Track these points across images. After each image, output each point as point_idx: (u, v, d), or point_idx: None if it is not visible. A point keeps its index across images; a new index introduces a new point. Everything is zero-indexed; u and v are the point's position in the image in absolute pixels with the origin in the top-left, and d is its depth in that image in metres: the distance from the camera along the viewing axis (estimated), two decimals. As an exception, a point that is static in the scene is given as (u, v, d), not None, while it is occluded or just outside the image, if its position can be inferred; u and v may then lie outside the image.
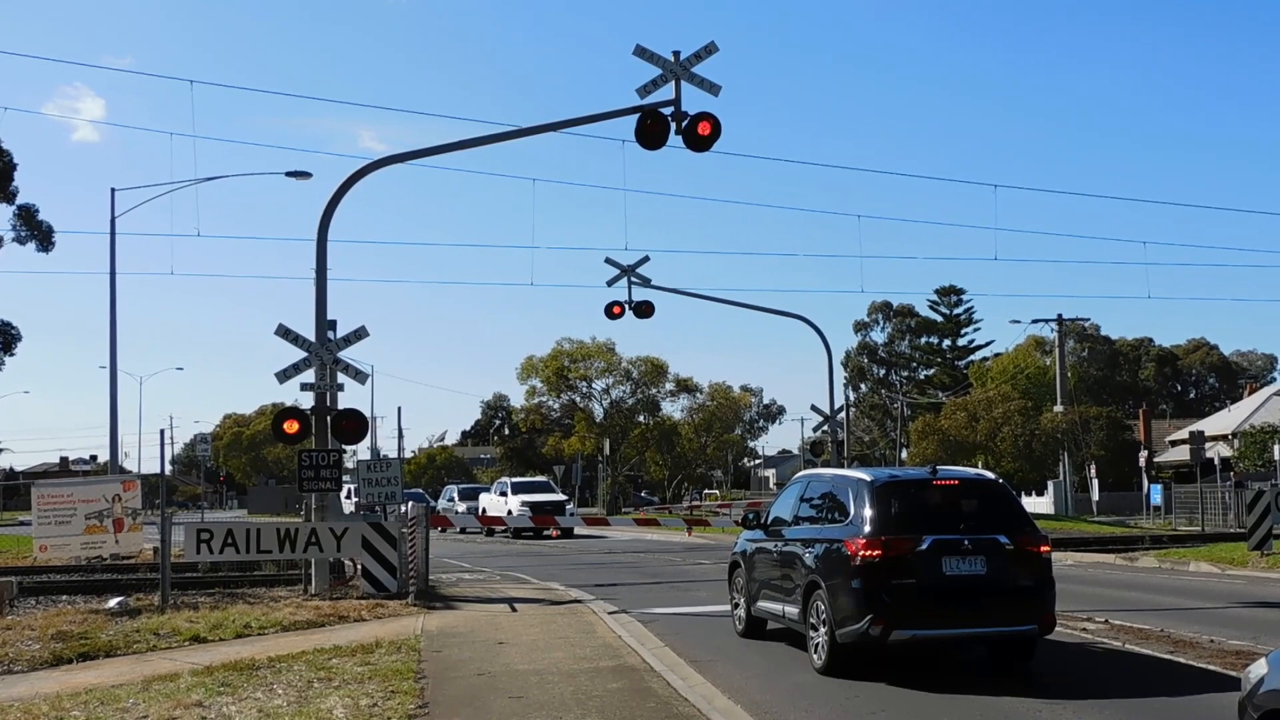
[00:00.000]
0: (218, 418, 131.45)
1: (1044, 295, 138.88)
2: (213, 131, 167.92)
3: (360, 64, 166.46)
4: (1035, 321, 64.97)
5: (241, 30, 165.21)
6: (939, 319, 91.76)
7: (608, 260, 32.90)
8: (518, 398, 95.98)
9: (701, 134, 19.08)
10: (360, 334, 19.79)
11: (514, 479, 54.31)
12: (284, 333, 19.43)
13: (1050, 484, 62.61)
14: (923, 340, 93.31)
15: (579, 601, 18.62)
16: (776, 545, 13.64)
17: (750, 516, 15.32)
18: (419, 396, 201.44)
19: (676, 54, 19.32)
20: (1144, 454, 55.97)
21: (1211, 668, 11.95)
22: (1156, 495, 50.26)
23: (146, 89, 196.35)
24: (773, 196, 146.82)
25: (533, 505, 43.32)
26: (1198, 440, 48.73)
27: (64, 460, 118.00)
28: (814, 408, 39.35)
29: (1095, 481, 58.38)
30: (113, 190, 37.09)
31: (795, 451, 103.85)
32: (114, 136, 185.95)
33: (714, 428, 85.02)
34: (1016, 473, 59.31)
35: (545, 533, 42.97)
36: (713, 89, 19.38)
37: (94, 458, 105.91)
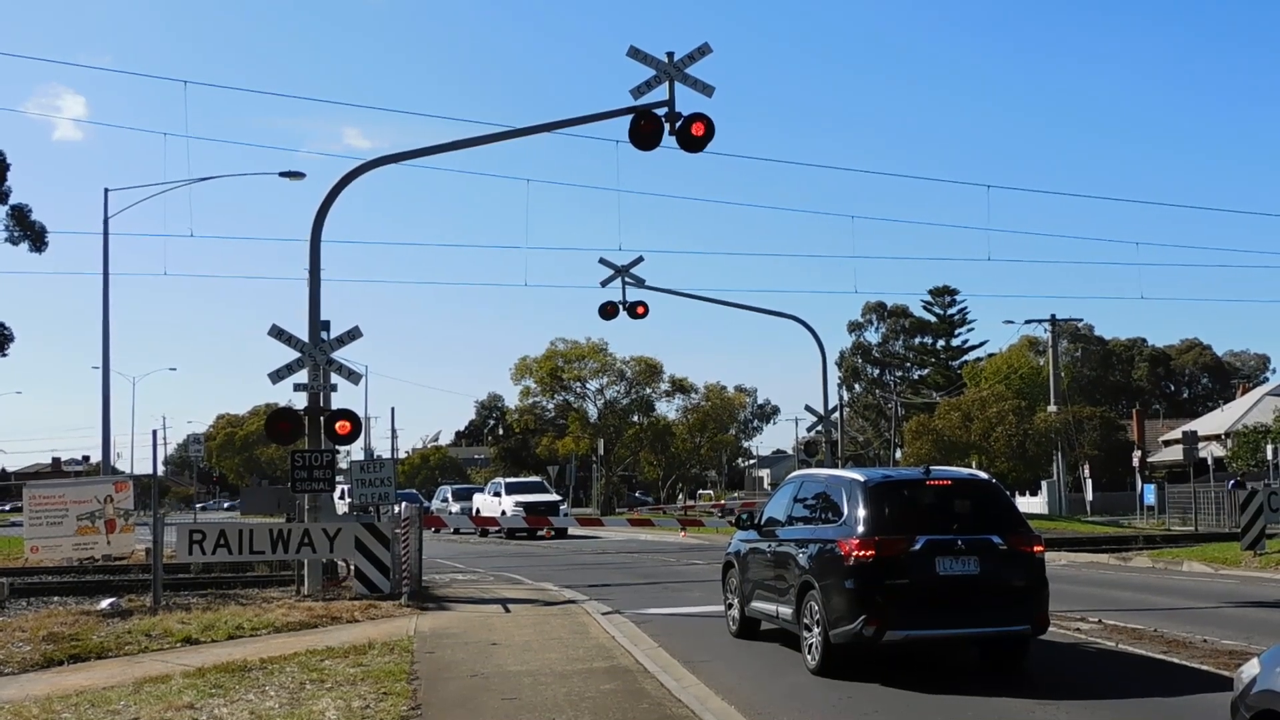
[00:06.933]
0: (211, 418, 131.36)
1: (1037, 296, 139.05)
2: (202, 131, 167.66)
3: (346, 63, 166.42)
4: (1029, 322, 65.19)
5: (223, 28, 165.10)
6: (933, 319, 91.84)
7: (602, 261, 32.90)
8: (512, 398, 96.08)
9: (695, 135, 19.08)
10: (354, 334, 19.76)
11: (508, 479, 54.31)
12: (277, 333, 19.39)
13: (1044, 484, 62.70)
14: (916, 340, 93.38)
15: (573, 602, 18.60)
16: (770, 546, 13.62)
17: (744, 517, 15.30)
18: (413, 397, 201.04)
19: (670, 55, 19.32)
20: (1137, 454, 56.06)
21: (1204, 668, 11.94)
22: (1150, 495, 50.31)
23: (129, 87, 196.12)
24: (766, 197, 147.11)
25: (527, 506, 43.30)
26: (1191, 440, 48.77)
27: (56, 461, 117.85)
28: (808, 408, 39.27)
29: (1089, 481, 58.45)
30: (106, 190, 37.16)
31: (789, 451, 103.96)
32: (98, 135, 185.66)
33: (708, 428, 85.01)
34: (1010, 473, 59.39)
35: (539, 533, 42.93)
36: (706, 90, 19.38)
37: (86, 458, 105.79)
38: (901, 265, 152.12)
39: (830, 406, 39.08)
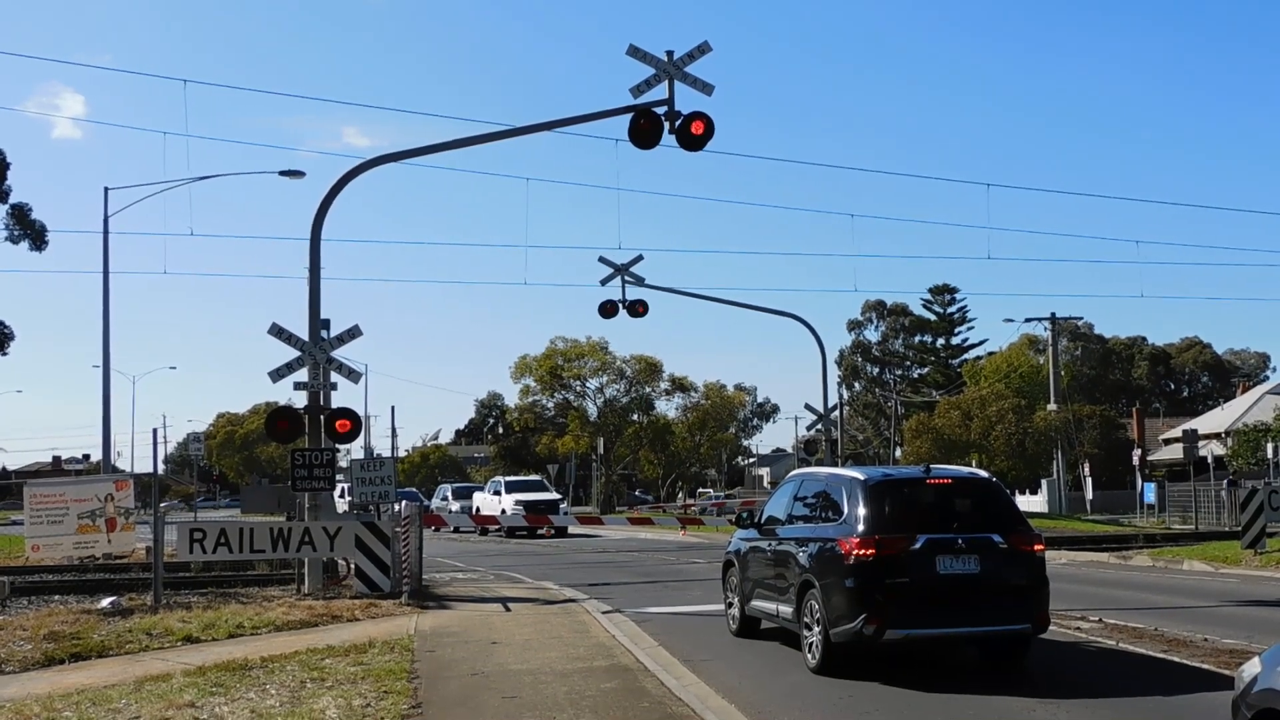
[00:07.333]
0: (211, 417, 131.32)
1: (1037, 294, 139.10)
2: (202, 130, 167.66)
3: (346, 63, 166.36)
4: (1029, 320, 65.21)
5: (223, 27, 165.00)
6: (933, 318, 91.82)
7: (601, 259, 32.92)
8: (512, 397, 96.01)
9: (694, 133, 19.07)
10: (354, 333, 19.76)
11: (508, 478, 54.35)
12: (278, 332, 19.40)
13: (1044, 483, 62.71)
14: (916, 339, 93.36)
15: (573, 601, 18.61)
16: (770, 544, 13.63)
17: (744, 515, 15.30)
18: (413, 395, 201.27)
19: (670, 54, 19.31)
20: (1137, 452, 56.04)
21: (1205, 666, 11.95)
22: (1150, 494, 50.30)
23: (128, 86, 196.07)
24: (766, 196, 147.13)
25: (527, 504, 43.33)
26: (1191, 439, 48.79)
27: (57, 460, 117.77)
28: (808, 406, 39.27)
29: (1089, 480, 58.46)
30: (106, 189, 37.20)
31: (789, 450, 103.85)
32: (97, 134, 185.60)
33: (708, 426, 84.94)
34: (1010, 471, 59.40)
35: (539, 532, 42.96)
36: (706, 88, 19.37)
37: (87, 457, 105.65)
38: (902, 264, 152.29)
39: (830, 405, 39.09)
